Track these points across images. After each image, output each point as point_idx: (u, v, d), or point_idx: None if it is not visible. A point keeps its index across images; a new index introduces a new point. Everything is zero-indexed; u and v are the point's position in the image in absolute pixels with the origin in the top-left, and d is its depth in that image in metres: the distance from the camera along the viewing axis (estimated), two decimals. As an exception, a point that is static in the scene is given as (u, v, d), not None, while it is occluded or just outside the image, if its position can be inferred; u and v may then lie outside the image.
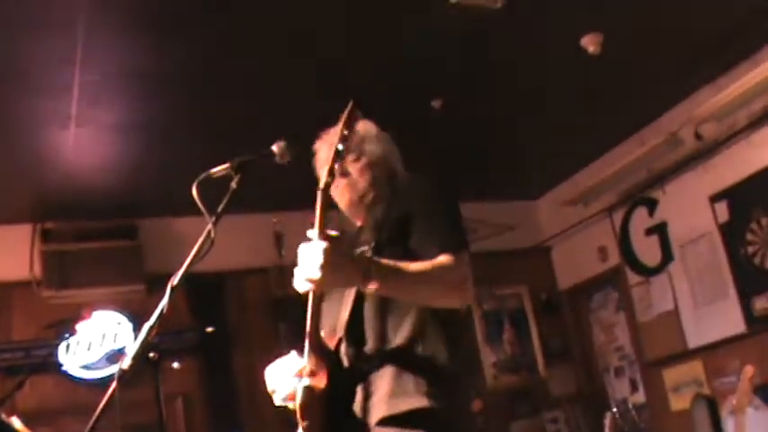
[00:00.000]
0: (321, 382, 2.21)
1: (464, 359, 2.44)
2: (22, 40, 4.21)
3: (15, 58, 4.36)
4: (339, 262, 2.05)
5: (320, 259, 2.01)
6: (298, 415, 2.16)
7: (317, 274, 2.02)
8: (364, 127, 2.63)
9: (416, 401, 2.24)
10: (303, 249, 2.06)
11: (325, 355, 2.27)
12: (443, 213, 2.44)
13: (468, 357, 2.51)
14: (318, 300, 2.17)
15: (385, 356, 2.30)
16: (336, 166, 2.19)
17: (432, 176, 2.53)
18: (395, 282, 2.18)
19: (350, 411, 2.29)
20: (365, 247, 2.37)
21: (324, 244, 2.03)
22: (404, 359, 2.29)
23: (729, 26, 5.32)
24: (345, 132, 2.24)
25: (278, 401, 2.37)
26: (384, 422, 2.24)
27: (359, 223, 2.66)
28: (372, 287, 2.13)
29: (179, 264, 2.20)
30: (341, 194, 2.59)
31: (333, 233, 2.07)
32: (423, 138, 5.04)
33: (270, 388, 2.37)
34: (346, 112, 2.28)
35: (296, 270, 2.07)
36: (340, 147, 2.21)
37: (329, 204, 2.16)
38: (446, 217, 2.43)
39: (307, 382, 2.18)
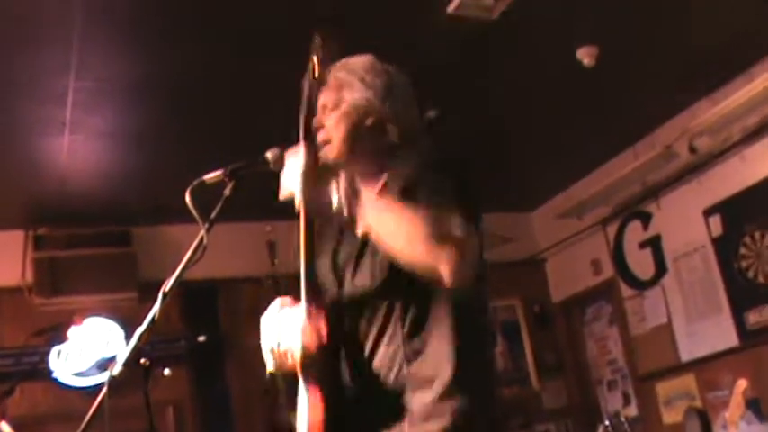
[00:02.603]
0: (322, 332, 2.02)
1: (483, 372, 2.16)
2: (17, 47, 4.21)
3: (10, 65, 4.36)
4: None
5: (302, 340, 1.88)
6: None
7: (299, 352, 1.91)
8: (353, 66, 2.29)
9: None
10: (282, 320, 1.91)
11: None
12: (458, 220, 1.99)
13: (486, 369, 2.23)
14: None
15: (387, 378, 2.05)
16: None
17: (449, 162, 2.19)
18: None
19: None
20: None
21: (305, 325, 1.88)
22: (410, 381, 2.02)
23: (724, 41, 5.33)
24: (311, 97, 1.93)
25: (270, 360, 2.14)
26: None
27: (366, 188, 2.26)
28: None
29: (172, 271, 2.19)
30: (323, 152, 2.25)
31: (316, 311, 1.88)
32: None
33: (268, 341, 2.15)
34: (314, 57, 1.96)
35: (276, 345, 1.91)
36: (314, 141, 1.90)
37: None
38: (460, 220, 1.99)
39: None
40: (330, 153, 2.21)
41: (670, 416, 6.63)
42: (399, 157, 2.22)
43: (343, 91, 2.23)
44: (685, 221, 6.44)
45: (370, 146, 2.24)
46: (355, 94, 2.22)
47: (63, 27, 4.07)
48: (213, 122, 5.29)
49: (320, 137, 2.23)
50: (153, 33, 4.31)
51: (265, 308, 2.16)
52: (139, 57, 4.52)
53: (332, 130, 2.22)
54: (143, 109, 5.06)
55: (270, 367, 2.12)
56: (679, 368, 6.57)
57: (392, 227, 1.98)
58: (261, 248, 6.50)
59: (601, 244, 7.34)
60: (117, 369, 2.09)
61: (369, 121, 2.22)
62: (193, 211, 2.18)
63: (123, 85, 4.76)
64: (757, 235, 5.90)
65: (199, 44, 4.47)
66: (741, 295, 6.04)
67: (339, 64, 2.30)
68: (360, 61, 2.29)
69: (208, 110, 5.16)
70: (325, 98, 2.27)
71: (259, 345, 2.14)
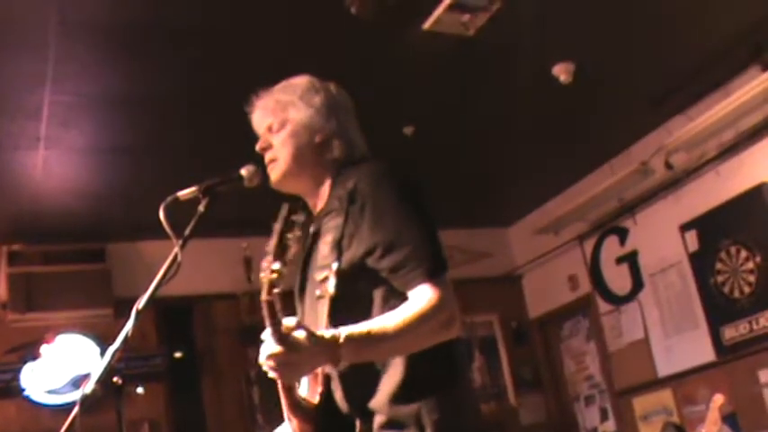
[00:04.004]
0: None
1: (467, 392, 2.20)
2: (-9, 60, 4.18)
3: (-16, 79, 4.32)
4: (301, 363, 1.89)
5: (278, 366, 1.87)
6: None
7: (279, 377, 1.93)
8: (293, 86, 2.33)
9: None
10: (263, 349, 1.90)
11: (310, 418, 2.06)
12: (415, 225, 2.07)
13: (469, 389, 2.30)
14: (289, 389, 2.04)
15: (382, 411, 2.04)
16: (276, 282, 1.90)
17: (391, 168, 2.20)
18: (371, 353, 1.98)
19: None
20: (326, 273, 1.96)
21: (277, 350, 1.85)
22: (406, 410, 2.02)
23: (699, 58, 5.37)
24: (278, 243, 1.94)
25: None
26: None
27: (313, 205, 2.32)
28: (343, 365, 1.93)
29: (147, 288, 2.17)
30: (270, 171, 2.31)
31: (292, 337, 1.84)
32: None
33: None
34: (280, 219, 1.95)
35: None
36: (276, 266, 1.91)
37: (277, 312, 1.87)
38: (418, 230, 2.06)
39: None
40: (277, 172, 2.28)
41: (647, 431, 6.64)
42: (345, 171, 2.23)
43: (287, 111, 2.28)
44: (662, 237, 6.47)
45: (318, 163, 2.28)
46: (300, 113, 2.27)
47: (38, 39, 4.03)
48: (190, 138, 5.26)
49: (267, 156, 2.30)
50: (131, 47, 4.28)
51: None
52: (117, 71, 4.49)
53: (279, 149, 2.28)
54: (120, 124, 5.02)
55: None
56: (656, 383, 6.58)
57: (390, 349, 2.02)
58: (237, 265, 6.47)
59: (578, 260, 7.35)
60: (90, 387, 2.07)
61: (317, 139, 2.27)
62: (167, 228, 2.17)
63: (100, 100, 4.73)
64: (733, 250, 5.93)
65: (177, 59, 4.45)
66: (717, 310, 6.06)
67: (278, 86, 2.35)
68: (299, 81, 2.35)
69: (185, 126, 5.13)
70: (270, 119, 2.31)
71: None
